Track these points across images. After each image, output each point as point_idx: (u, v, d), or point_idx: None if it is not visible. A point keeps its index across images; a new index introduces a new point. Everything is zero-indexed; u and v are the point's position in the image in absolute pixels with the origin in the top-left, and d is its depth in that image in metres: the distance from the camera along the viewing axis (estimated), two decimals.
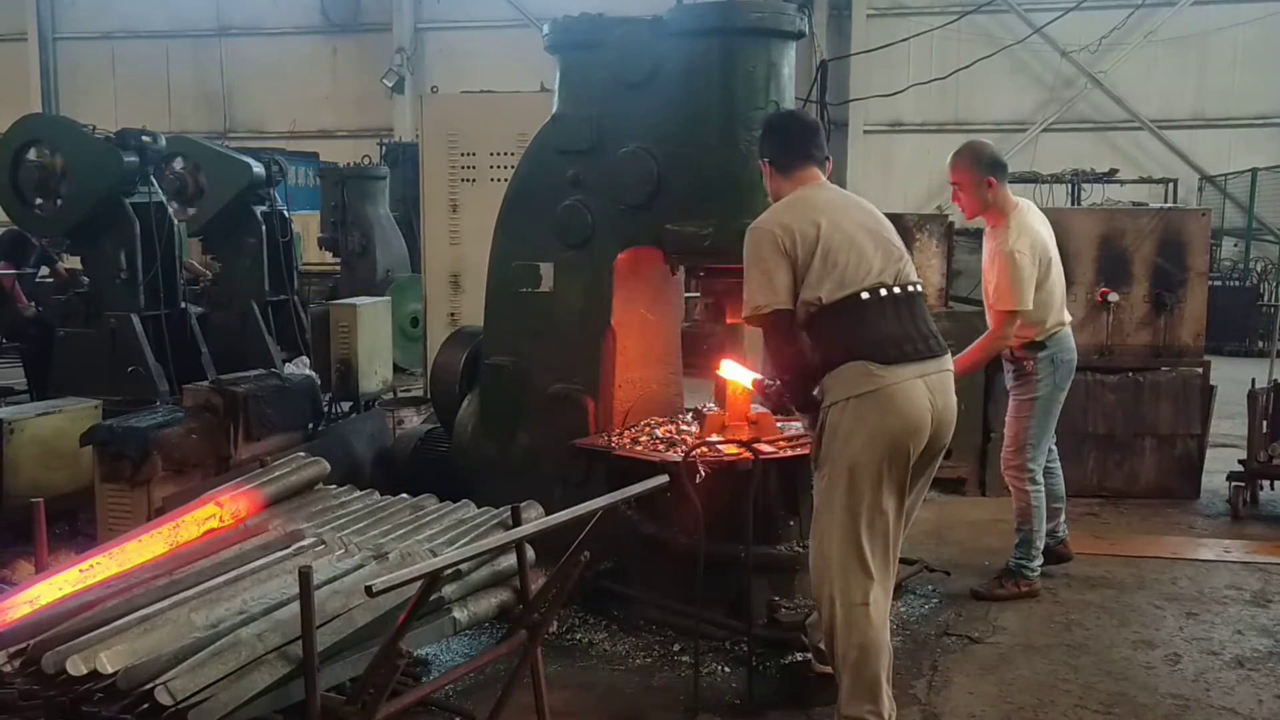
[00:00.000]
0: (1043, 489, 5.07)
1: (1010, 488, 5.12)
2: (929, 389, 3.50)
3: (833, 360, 3.49)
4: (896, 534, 3.57)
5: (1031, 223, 4.91)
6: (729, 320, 4.77)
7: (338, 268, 13.03)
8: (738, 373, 4.46)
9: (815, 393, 3.56)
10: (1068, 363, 5.06)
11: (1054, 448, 5.25)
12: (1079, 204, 14.05)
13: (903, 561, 4.21)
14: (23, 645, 2.80)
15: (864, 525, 3.46)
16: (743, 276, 3.68)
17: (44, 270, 10.09)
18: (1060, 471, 5.33)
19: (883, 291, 3.53)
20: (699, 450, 4.20)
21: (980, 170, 4.85)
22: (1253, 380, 6.70)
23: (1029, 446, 5.01)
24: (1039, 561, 5.11)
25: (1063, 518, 5.35)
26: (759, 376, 4.17)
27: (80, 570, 3.31)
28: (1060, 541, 5.34)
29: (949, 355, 3.66)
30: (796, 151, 3.80)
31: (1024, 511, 5.06)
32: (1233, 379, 7.69)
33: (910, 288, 3.61)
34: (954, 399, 3.63)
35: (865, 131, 19.23)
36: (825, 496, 3.54)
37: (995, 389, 6.18)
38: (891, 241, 3.67)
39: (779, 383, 3.76)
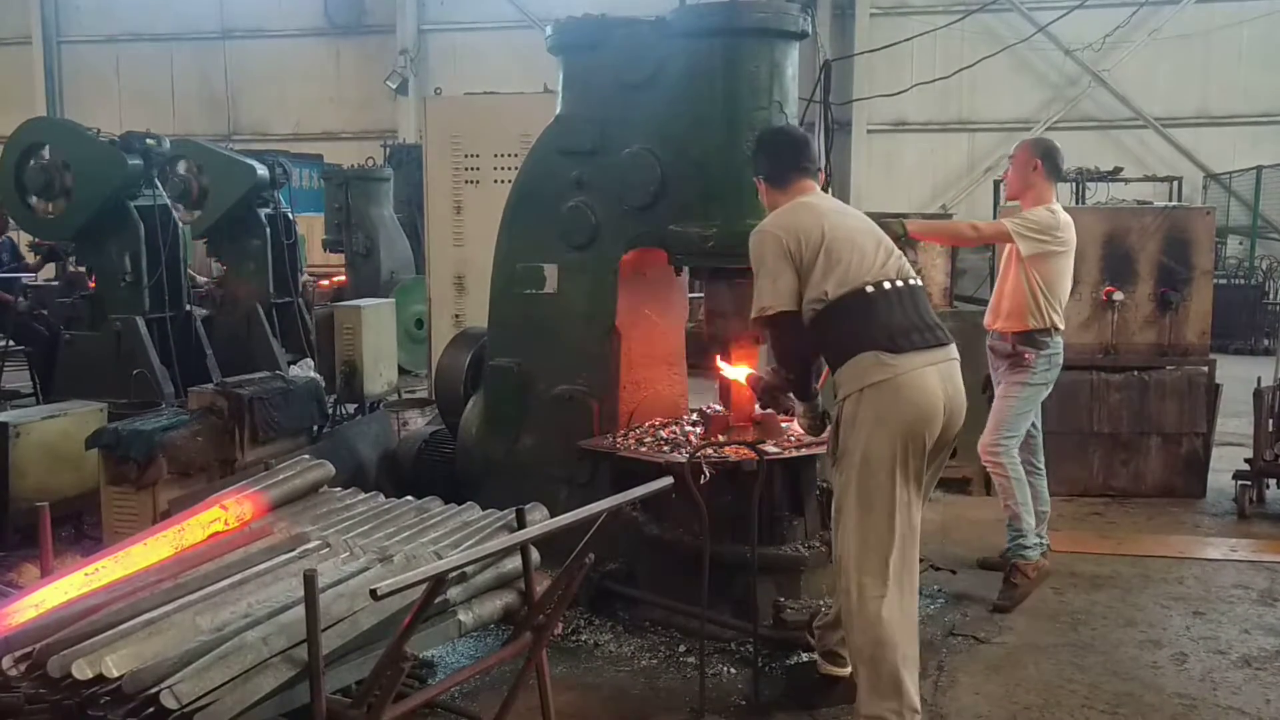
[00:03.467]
0: (1018, 464, 5.10)
1: (987, 468, 5.19)
2: (940, 376, 3.54)
3: (844, 353, 3.56)
4: (915, 526, 3.56)
5: (1070, 219, 5.12)
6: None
7: (343, 270, 13.03)
8: (731, 368, 4.49)
9: (834, 392, 3.62)
10: (1059, 366, 5.17)
11: (1040, 460, 5.29)
12: (1083, 202, 13.99)
13: None
14: (29, 649, 2.80)
15: (881, 517, 3.47)
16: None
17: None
18: (1045, 480, 5.32)
19: (886, 284, 3.59)
20: (704, 451, 4.20)
21: (1034, 152, 5.13)
22: (1258, 379, 6.68)
23: (1006, 426, 5.07)
24: (1034, 539, 5.11)
25: (1045, 526, 5.33)
26: (753, 372, 4.25)
27: (86, 574, 3.31)
28: (1041, 552, 5.28)
29: (954, 345, 3.69)
30: (789, 165, 3.89)
31: (1006, 490, 5.10)
32: (1238, 377, 7.67)
33: (911, 281, 3.69)
34: (963, 388, 3.66)
35: (869, 131, 19.21)
36: (844, 489, 3.56)
37: None
38: (886, 243, 3.75)
39: (771, 376, 3.89)
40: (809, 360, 3.77)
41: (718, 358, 4.58)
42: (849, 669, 3.77)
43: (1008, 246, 5.13)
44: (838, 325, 3.58)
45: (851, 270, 3.57)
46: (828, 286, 3.56)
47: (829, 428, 3.73)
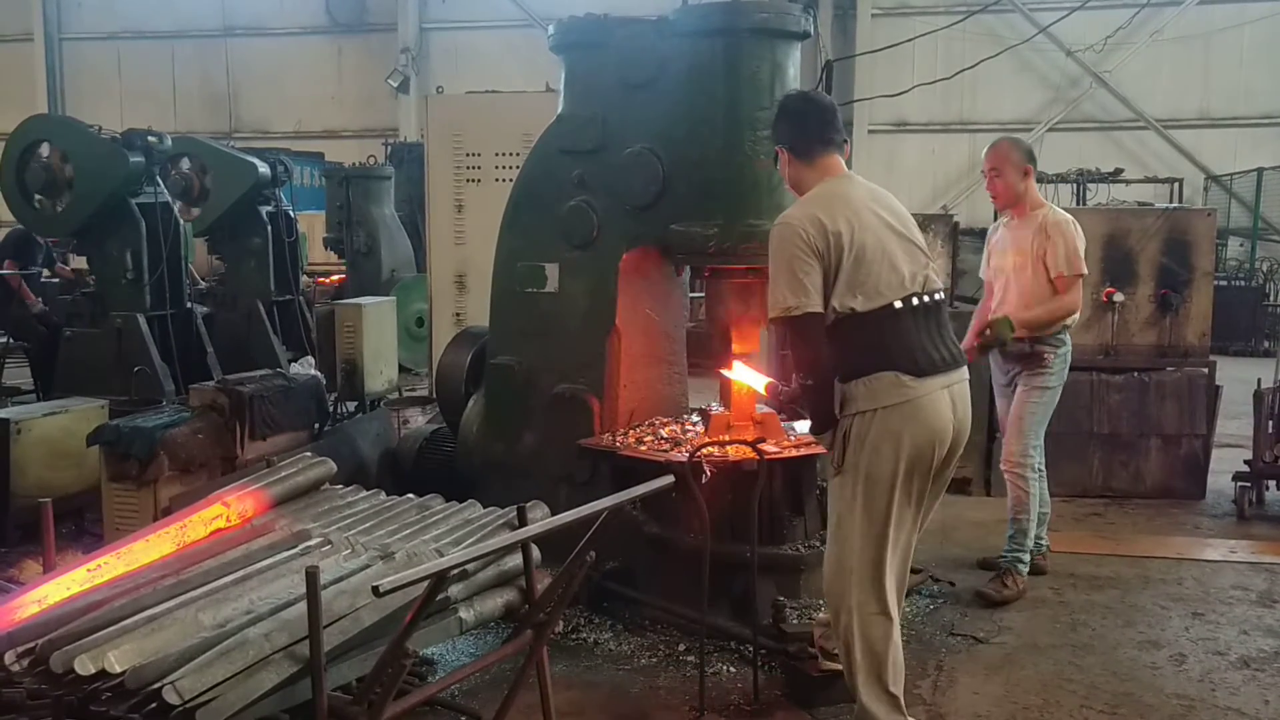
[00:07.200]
0: (1040, 480, 5.13)
1: (1008, 478, 5.16)
2: (951, 399, 3.50)
3: (862, 368, 3.42)
4: (911, 543, 3.58)
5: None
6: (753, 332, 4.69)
7: (343, 268, 13.03)
8: (748, 376, 4.41)
9: (839, 403, 3.48)
10: (1069, 363, 5.16)
11: (1040, 460, 5.27)
12: (1084, 204, 14.03)
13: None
14: (31, 645, 2.81)
15: (884, 535, 3.45)
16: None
17: (46, 271, 10.12)
18: (1045, 481, 5.31)
19: (914, 301, 3.47)
20: (704, 450, 4.20)
21: (1020, 157, 5.09)
22: (1258, 380, 6.68)
23: (1031, 434, 5.08)
24: (1029, 554, 5.14)
25: (1045, 528, 5.34)
26: (772, 381, 4.08)
27: (88, 570, 3.32)
28: (1040, 552, 5.32)
29: (966, 366, 3.64)
30: (816, 136, 3.63)
31: (1020, 502, 5.11)
32: (1238, 379, 7.68)
33: (935, 296, 3.56)
34: (970, 409, 3.62)
35: (870, 131, 19.23)
36: (846, 505, 3.49)
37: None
38: (917, 244, 3.60)
39: (797, 387, 3.62)
40: (831, 368, 3.44)
41: (731, 364, 4.49)
42: None
43: (1017, 249, 5.09)
44: (858, 338, 3.42)
45: (882, 283, 3.41)
46: (855, 301, 3.38)
47: (828, 435, 3.56)
